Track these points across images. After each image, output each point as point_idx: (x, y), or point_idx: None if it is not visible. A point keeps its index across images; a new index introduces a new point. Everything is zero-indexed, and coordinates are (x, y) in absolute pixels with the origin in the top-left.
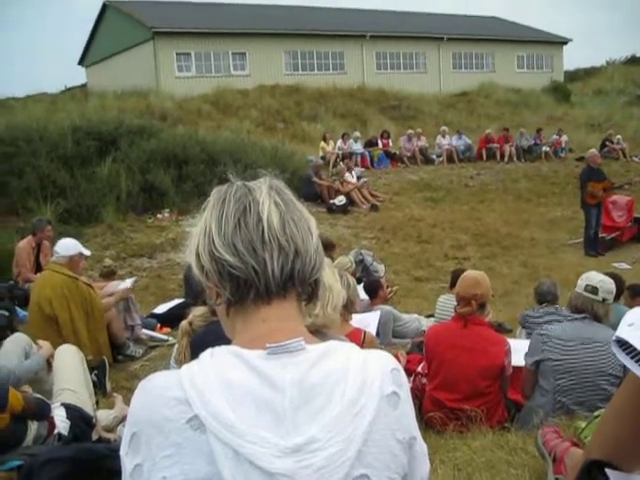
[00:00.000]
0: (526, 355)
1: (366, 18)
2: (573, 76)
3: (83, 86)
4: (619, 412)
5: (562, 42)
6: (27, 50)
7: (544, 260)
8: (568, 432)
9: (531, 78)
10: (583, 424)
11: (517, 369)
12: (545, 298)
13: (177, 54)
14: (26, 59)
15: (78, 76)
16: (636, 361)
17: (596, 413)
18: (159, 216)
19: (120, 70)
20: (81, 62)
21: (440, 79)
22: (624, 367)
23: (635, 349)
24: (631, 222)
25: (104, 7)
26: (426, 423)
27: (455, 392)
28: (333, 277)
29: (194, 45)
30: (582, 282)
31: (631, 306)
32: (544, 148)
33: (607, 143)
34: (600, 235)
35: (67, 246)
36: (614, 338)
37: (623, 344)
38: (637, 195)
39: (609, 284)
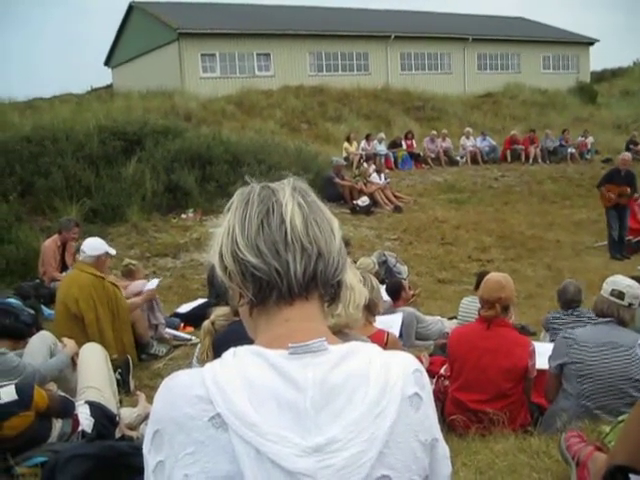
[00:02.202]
0: (550, 358)
1: (390, 19)
2: (600, 77)
3: (109, 87)
4: None
5: (588, 42)
6: (54, 51)
7: (569, 263)
8: (592, 436)
9: (557, 79)
10: (607, 429)
11: (541, 372)
12: (570, 306)
13: (202, 55)
14: (53, 60)
15: (104, 77)
16: None
17: (620, 418)
18: (183, 216)
19: (145, 71)
20: (107, 63)
21: (465, 80)
22: None
23: None
24: None
25: (130, 8)
26: (448, 426)
27: (478, 393)
28: (355, 277)
29: (219, 46)
30: (608, 286)
31: None
32: (570, 150)
33: (631, 146)
34: (626, 238)
35: (94, 246)
36: (639, 342)
37: None
38: None
39: (636, 289)
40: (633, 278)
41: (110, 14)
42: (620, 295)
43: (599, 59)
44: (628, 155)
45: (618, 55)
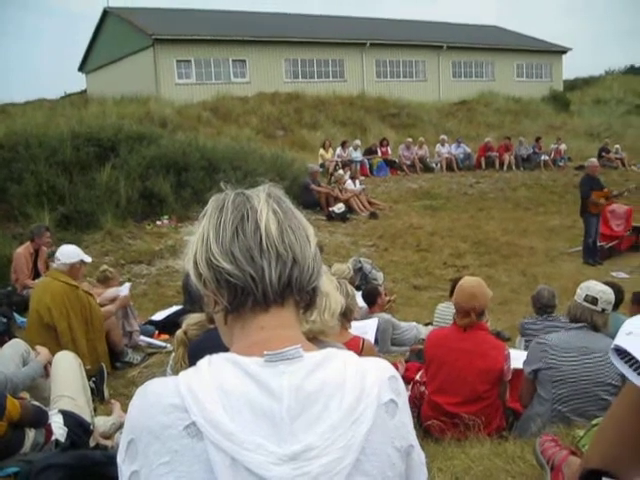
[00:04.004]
0: (525, 364)
1: (366, 26)
2: (572, 85)
3: (83, 92)
4: (618, 421)
5: (561, 51)
6: (27, 56)
7: (543, 269)
8: (566, 441)
9: (530, 87)
10: (581, 433)
11: (515, 375)
12: (545, 311)
13: (177, 61)
14: (26, 65)
15: (78, 82)
16: (635, 369)
17: (594, 422)
18: (158, 223)
19: (120, 77)
20: (81, 68)
21: (440, 87)
22: (622, 376)
23: (634, 358)
24: (629, 231)
25: (105, 14)
26: (424, 431)
27: (454, 395)
28: (330, 283)
29: (194, 52)
30: (581, 292)
31: (632, 314)
32: (543, 157)
33: (603, 153)
34: (599, 244)
35: (68, 253)
36: (612, 347)
37: (621, 353)
38: (636, 204)
39: (609, 294)
40: (606, 284)
41: (85, 20)
42: (593, 301)
43: (571, 68)
44: (596, 161)
45: (590, 64)
